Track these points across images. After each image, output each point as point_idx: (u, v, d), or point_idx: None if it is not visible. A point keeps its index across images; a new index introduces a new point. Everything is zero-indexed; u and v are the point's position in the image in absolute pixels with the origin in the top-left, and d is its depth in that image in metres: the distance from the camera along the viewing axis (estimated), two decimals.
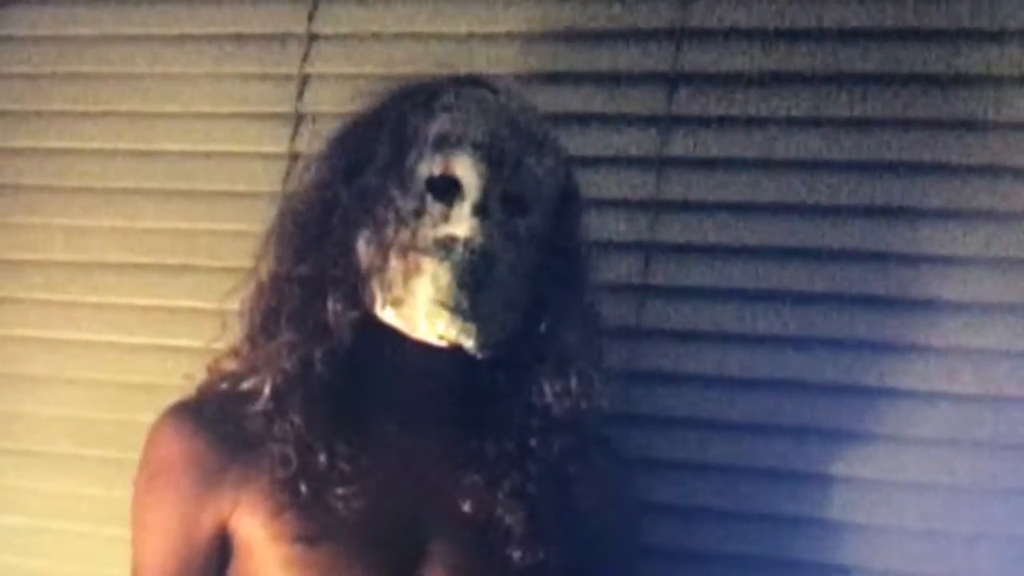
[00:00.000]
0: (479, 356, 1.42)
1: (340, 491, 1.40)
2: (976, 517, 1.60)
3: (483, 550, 1.44)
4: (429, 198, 1.41)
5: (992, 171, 1.64)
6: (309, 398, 1.42)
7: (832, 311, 1.67)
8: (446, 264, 1.38)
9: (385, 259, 1.40)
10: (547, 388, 1.46)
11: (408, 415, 1.46)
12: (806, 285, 1.68)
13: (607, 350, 1.52)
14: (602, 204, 1.69)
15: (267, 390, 1.42)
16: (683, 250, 1.72)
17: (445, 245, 1.39)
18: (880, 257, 1.66)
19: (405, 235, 1.40)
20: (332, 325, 1.42)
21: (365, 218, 1.42)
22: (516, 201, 1.43)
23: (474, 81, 1.49)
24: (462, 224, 1.39)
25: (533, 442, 1.46)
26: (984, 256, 1.63)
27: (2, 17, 2.01)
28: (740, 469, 1.68)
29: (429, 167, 1.41)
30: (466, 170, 1.40)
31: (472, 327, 1.39)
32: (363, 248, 1.42)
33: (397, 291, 1.40)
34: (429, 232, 1.40)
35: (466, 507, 1.44)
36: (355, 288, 1.42)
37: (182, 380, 1.51)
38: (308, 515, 1.40)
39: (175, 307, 1.88)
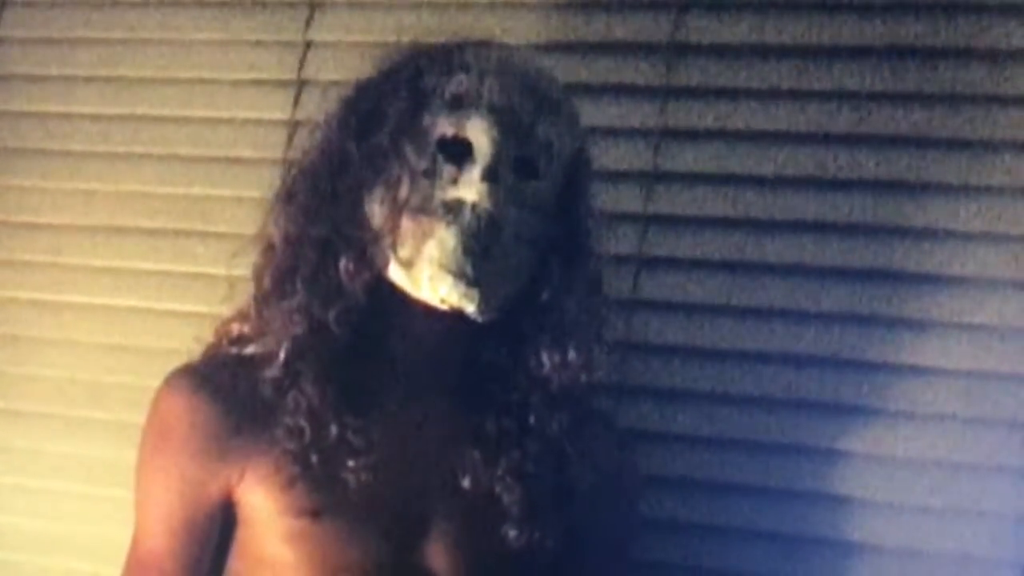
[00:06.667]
0: (480, 319, 1.41)
1: (351, 463, 1.39)
2: (983, 494, 1.60)
3: (481, 527, 1.44)
4: (440, 159, 1.39)
5: (1004, 146, 1.62)
6: (321, 366, 1.41)
7: (840, 285, 1.65)
8: (453, 228, 1.37)
9: (397, 219, 1.39)
10: (546, 359, 1.45)
11: (413, 386, 1.45)
12: (810, 258, 1.67)
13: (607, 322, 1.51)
14: (600, 175, 1.65)
15: (281, 356, 1.41)
16: (681, 222, 1.71)
17: (453, 208, 1.38)
18: (889, 231, 1.65)
19: (416, 196, 1.38)
20: (345, 285, 1.41)
21: (378, 177, 1.40)
22: (527, 164, 1.41)
23: (488, 44, 1.47)
24: (471, 188, 1.38)
25: (532, 420, 1.45)
26: (995, 232, 1.62)
27: None
28: (741, 443, 1.67)
29: (442, 127, 1.39)
30: (479, 133, 1.39)
31: (474, 292, 1.38)
32: (375, 208, 1.41)
33: (406, 252, 1.39)
34: (438, 194, 1.38)
35: (465, 483, 1.44)
36: (367, 248, 1.41)
37: (189, 344, 1.51)
38: (317, 488, 1.39)
39: (178, 271, 1.89)
